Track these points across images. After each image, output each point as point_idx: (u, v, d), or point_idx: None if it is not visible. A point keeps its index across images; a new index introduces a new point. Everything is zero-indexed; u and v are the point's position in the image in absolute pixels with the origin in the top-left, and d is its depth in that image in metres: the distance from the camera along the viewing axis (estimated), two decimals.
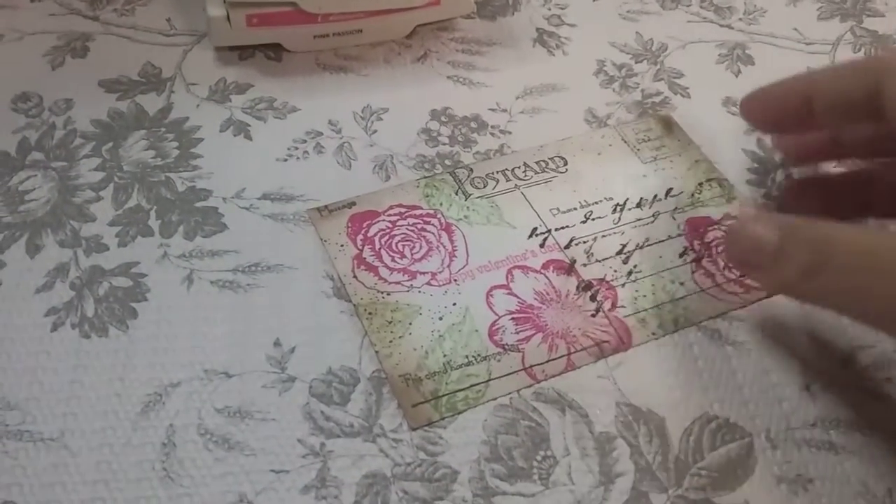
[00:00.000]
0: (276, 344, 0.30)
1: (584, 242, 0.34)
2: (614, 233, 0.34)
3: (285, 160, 0.36)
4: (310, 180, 0.35)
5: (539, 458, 0.28)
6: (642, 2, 0.45)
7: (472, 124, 0.38)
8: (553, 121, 0.38)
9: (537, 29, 0.43)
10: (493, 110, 0.38)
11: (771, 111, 0.32)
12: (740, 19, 0.44)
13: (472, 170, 0.36)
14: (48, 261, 0.31)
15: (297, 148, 0.36)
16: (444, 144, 0.37)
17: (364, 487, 0.27)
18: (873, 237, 0.26)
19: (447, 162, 0.36)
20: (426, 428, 0.28)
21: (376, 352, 0.30)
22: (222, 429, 0.28)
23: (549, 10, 0.44)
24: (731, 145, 0.38)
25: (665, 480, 0.27)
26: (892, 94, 0.27)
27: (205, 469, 0.27)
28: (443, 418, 0.28)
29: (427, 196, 0.35)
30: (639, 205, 0.35)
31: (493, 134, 0.37)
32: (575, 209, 0.35)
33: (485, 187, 0.35)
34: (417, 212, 0.34)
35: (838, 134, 0.33)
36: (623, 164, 0.37)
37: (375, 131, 0.37)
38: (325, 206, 0.34)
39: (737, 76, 0.41)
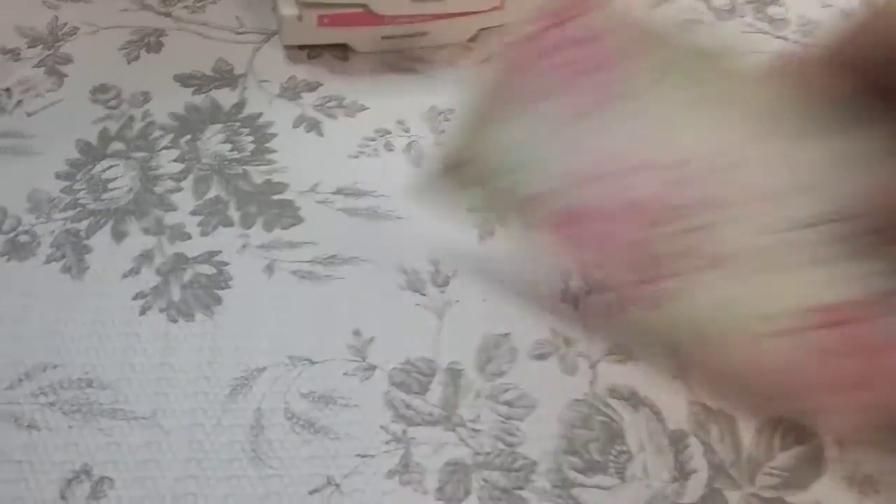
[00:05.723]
0: (356, 333, 0.31)
1: None
2: None
3: (356, 157, 0.36)
4: (381, 177, 0.36)
5: (614, 452, 0.28)
6: (697, 12, 0.46)
7: None
8: None
9: None
10: None
11: None
12: (794, 31, 0.45)
13: None
14: (133, 247, 0.32)
15: (367, 145, 0.37)
16: None
17: (446, 474, 0.28)
18: None
19: None
20: (503, 419, 0.29)
21: None
22: (308, 413, 0.28)
23: None
24: None
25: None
26: None
27: (293, 451, 0.27)
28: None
29: None
30: None
31: None
32: None
33: None
34: None
35: None
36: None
37: (443, 131, 0.38)
38: None
39: None
